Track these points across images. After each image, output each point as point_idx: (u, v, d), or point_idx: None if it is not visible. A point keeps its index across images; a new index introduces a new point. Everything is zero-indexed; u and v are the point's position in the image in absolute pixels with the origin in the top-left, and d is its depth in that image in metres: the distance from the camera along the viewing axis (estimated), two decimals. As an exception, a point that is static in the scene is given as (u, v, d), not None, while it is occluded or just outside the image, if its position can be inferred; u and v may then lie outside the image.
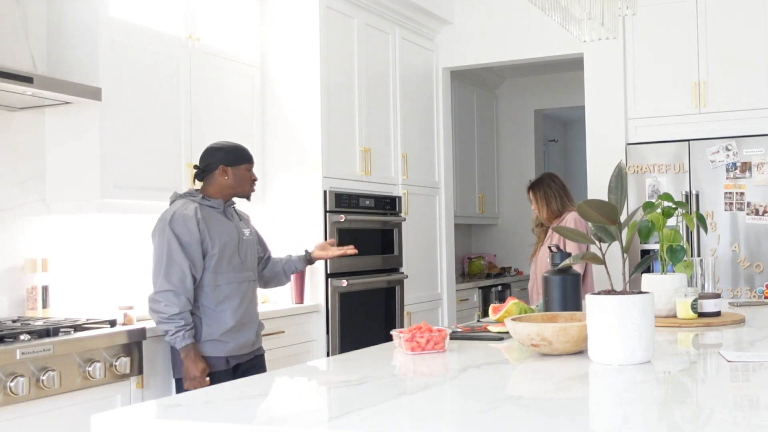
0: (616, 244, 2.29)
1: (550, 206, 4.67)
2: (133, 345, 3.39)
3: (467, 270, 7.49)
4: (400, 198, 5.53)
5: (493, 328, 2.87)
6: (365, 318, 5.14)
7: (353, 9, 5.16)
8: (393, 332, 2.56)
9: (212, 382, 3.29)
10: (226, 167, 3.50)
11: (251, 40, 4.81)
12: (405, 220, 5.54)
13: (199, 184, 3.60)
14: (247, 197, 3.62)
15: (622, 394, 1.88)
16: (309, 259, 3.97)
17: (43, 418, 3.03)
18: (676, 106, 5.40)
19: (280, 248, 4.74)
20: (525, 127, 8.06)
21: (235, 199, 3.62)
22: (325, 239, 4.76)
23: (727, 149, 5.23)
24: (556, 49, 5.78)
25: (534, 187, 4.77)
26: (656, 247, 3.21)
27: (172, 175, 4.03)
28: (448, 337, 2.51)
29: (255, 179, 3.60)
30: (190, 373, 3.34)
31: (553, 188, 4.69)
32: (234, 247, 3.50)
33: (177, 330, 3.31)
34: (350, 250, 4.01)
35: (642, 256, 5.27)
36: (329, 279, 4.79)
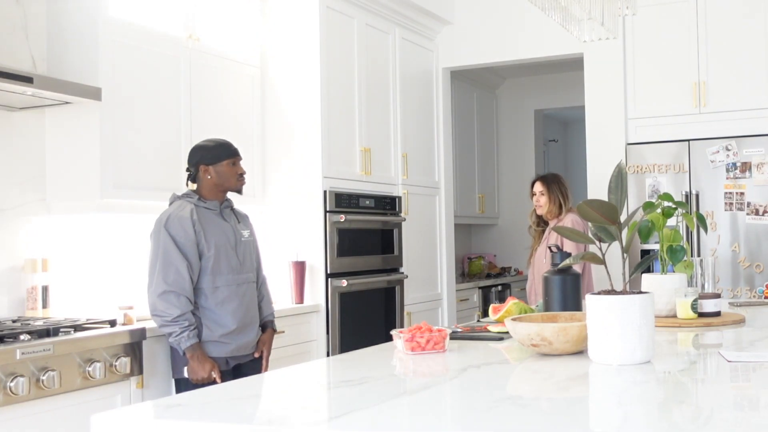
0: (616, 244, 2.29)
1: (556, 203, 4.72)
2: (133, 345, 3.39)
3: (467, 270, 7.49)
4: (400, 198, 5.53)
5: (493, 328, 2.87)
6: (365, 318, 5.13)
7: (353, 9, 5.16)
8: (393, 332, 2.56)
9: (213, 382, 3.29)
10: (207, 166, 3.50)
11: (251, 40, 4.80)
12: (405, 220, 5.54)
13: (194, 185, 3.60)
14: (238, 191, 3.60)
15: (622, 394, 1.88)
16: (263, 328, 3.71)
17: (43, 418, 3.03)
18: (676, 106, 5.40)
19: (280, 248, 4.76)
20: (525, 127, 8.05)
21: (230, 196, 3.62)
22: (325, 239, 4.77)
23: (727, 149, 5.22)
24: (556, 49, 5.78)
25: (548, 180, 4.80)
26: (656, 247, 3.21)
27: (172, 175, 4.03)
28: (448, 337, 2.51)
29: (242, 173, 3.56)
30: (198, 374, 3.34)
31: (563, 189, 4.78)
32: (230, 248, 3.49)
33: (181, 331, 3.31)
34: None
35: (642, 256, 5.27)
36: (329, 279, 4.78)
